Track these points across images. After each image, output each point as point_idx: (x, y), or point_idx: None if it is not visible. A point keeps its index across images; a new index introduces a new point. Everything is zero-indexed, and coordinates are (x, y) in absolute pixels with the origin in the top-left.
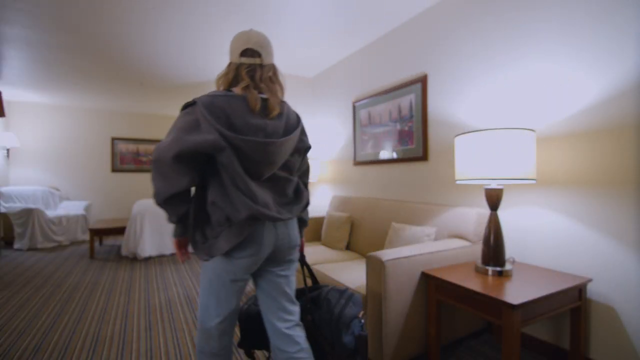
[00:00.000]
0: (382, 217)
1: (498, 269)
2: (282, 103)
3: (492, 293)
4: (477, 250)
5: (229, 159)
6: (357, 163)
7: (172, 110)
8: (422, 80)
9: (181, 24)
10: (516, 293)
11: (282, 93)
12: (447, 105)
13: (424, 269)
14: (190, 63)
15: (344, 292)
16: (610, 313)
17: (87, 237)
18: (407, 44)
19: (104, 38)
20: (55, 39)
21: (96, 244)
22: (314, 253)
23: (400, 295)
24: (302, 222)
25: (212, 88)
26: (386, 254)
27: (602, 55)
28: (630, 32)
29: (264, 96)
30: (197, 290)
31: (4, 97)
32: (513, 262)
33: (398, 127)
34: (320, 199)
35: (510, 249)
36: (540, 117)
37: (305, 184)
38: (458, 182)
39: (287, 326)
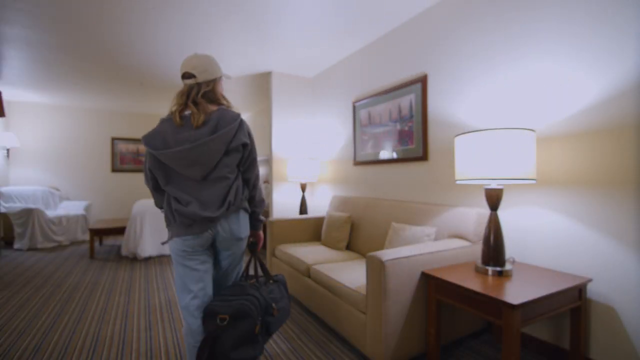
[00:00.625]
0: (382, 217)
1: (498, 269)
2: (215, 111)
3: (492, 293)
4: (477, 250)
5: (159, 176)
6: (357, 163)
7: None
8: (422, 80)
9: (181, 24)
10: (516, 293)
11: (222, 103)
12: (447, 105)
13: (424, 269)
14: None
15: (278, 285)
16: (610, 313)
17: (87, 237)
18: (407, 44)
19: (104, 38)
20: (55, 39)
21: (96, 244)
22: (314, 253)
23: (400, 295)
24: (254, 214)
25: None
26: (386, 254)
27: (602, 55)
28: (630, 32)
29: (187, 112)
30: None
31: (4, 97)
32: (513, 262)
33: (398, 127)
34: (320, 199)
35: (510, 249)
36: (540, 117)
37: (249, 179)
38: (458, 182)
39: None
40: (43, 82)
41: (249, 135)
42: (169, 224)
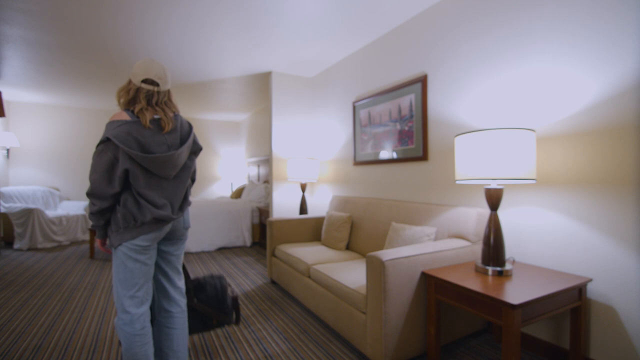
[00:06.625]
0: (382, 217)
1: (498, 269)
2: (175, 118)
3: (492, 293)
4: (477, 250)
5: (138, 178)
6: (357, 163)
7: None
8: (422, 80)
9: (181, 24)
10: (516, 293)
11: (175, 110)
12: (447, 105)
13: (424, 269)
14: (190, 63)
15: (213, 275)
16: (610, 313)
17: (87, 237)
18: (407, 44)
19: (103, 38)
20: (55, 39)
21: (96, 244)
22: (314, 253)
23: (400, 295)
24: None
25: (211, 87)
26: (386, 254)
27: (602, 54)
28: (630, 32)
29: (157, 116)
30: None
31: (4, 97)
32: (513, 262)
33: (398, 127)
34: (320, 199)
35: (510, 249)
36: (541, 117)
37: (195, 179)
38: (458, 182)
39: (174, 293)
40: (43, 82)
41: None
42: (127, 225)
